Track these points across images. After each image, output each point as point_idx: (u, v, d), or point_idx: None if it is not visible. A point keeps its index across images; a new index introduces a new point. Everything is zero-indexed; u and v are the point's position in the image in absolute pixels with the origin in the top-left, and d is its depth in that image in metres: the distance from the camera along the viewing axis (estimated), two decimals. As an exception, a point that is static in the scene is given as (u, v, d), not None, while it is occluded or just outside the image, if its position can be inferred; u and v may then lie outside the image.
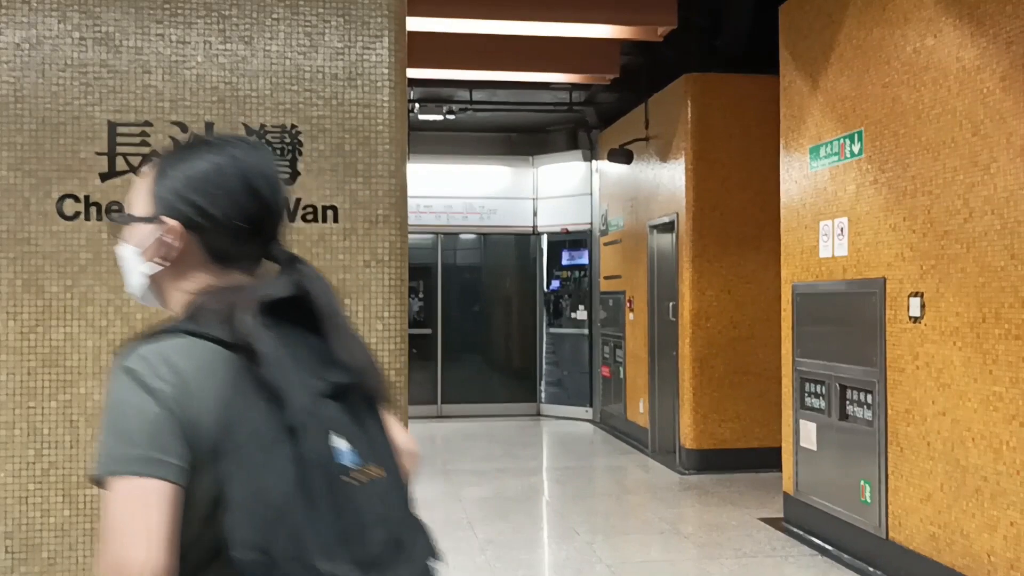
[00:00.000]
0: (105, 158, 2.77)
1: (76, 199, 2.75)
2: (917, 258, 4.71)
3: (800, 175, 5.97)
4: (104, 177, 2.77)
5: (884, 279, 4.99)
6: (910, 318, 4.77)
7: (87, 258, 2.74)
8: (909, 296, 4.77)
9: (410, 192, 3.03)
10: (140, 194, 1.32)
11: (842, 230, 5.42)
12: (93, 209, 2.75)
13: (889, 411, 4.95)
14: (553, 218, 11.64)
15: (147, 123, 2.79)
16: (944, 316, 4.50)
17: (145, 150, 2.78)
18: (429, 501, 6.91)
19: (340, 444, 1.15)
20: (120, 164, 2.77)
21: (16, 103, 2.73)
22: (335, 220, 2.87)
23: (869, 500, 5.12)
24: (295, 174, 2.85)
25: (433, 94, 10.07)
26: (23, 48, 2.73)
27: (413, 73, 7.91)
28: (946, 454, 4.49)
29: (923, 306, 4.66)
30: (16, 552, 2.67)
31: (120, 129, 2.78)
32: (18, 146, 2.73)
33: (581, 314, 11.40)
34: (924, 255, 4.65)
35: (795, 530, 5.92)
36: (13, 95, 2.73)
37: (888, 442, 4.96)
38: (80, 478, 2.71)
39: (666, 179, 8.50)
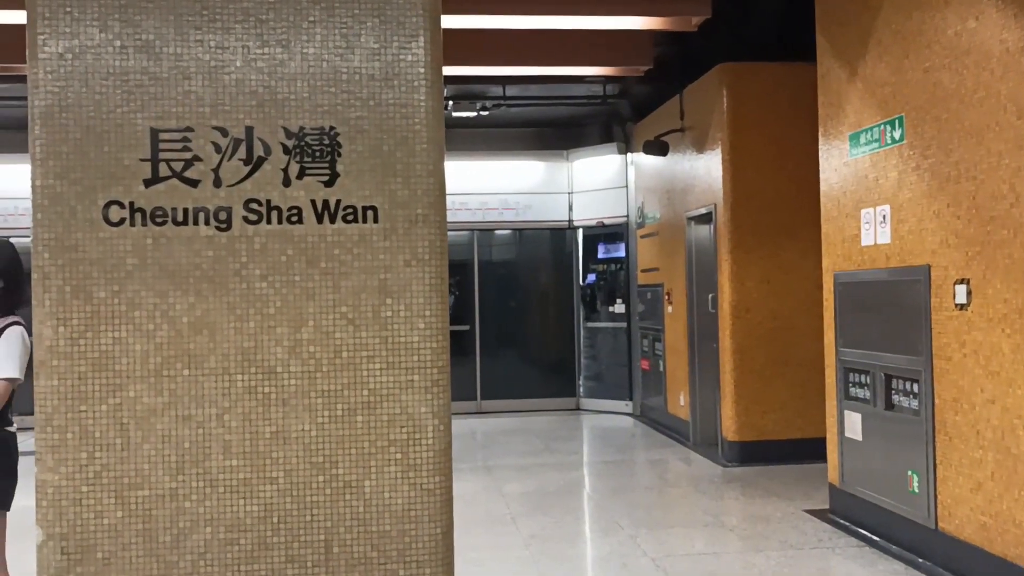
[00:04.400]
0: (148, 164, 2.80)
1: (121, 205, 2.78)
2: (962, 244, 4.63)
3: (840, 163, 5.89)
4: (148, 183, 2.80)
5: (928, 266, 4.91)
6: (956, 305, 4.69)
7: (133, 263, 2.78)
8: (955, 283, 4.69)
9: (446, 189, 3.04)
10: None
11: (884, 217, 5.35)
12: (138, 215, 2.78)
13: (936, 400, 4.88)
14: (589, 212, 11.60)
15: (188, 128, 2.82)
16: (992, 303, 4.42)
17: (187, 155, 2.81)
18: (471, 496, 6.93)
19: None
20: (163, 170, 2.80)
21: (61, 113, 2.77)
22: (375, 220, 2.88)
23: (917, 490, 5.05)
24: (335, 176, 2.87)
25: (466, 91, 10.08)
26: (66, 58, 2.78)
27: (446, 70, 7.91)
28: (996, 443, 4.41)
29: (969, 293, 4.58)
30: (72, 553, 2.73)
31: (162, 135, 2.81)
32: (64, 155, 2.77)
33: (619, 307, 11.36)
34: (970, 241, 4.57)
35: (841, 521, 5.86)
36: (58, 105, 2.77)
37: (936, 431, 4.89)
38: (131, 479, 2.76)
39: (702, 170, 8.44)
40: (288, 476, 2.82)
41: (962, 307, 4.65)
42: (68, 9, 2.78)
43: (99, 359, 2.75)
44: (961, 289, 4.64)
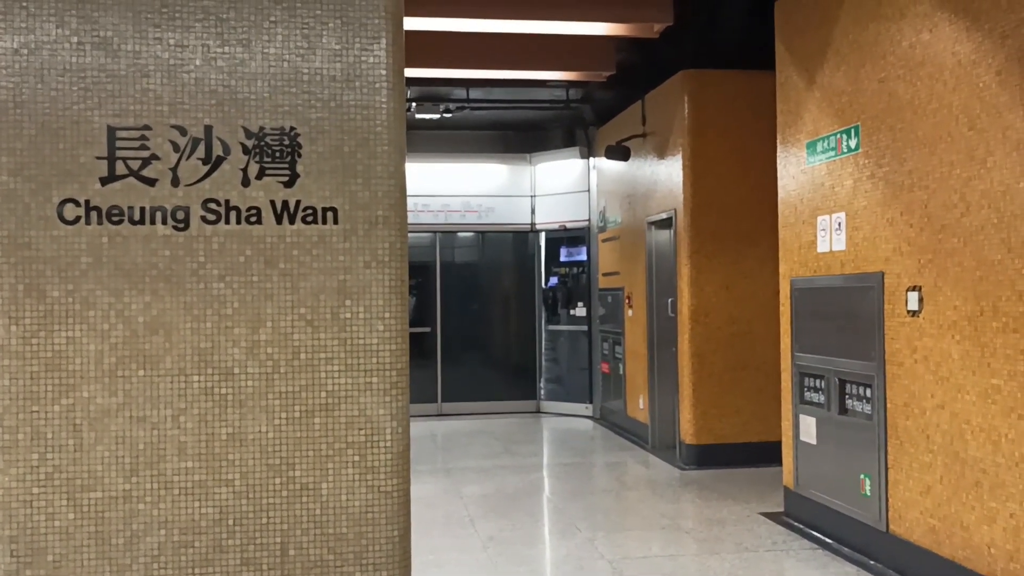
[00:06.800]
0: (105, 162, 2.77)
1: (76, 203, 2.75)
2: (915, 252, 4.73)
3: (797, 170, 5.98)
4: (104, 181, 2.77)
5: (882, 273, 5.00)
6: (908, 312, 4.78)
7: (88, 262, 2.75)
8: (907, 290, 4.79)
9: (408, 191, 3.05)
10: None
11: (840, 225, 5.44)
12: (94, 214, 2.76)
13: (888, 405, 4.97)
14: (551, 215, 11.65)
15: (146, 127, 2.80)
16: (942, 310, 4.52)
17: (144, 154, 2.79)
18: (430, 498, 6.93)
19: None
20: (120, 168, 2.78)
21: (15, 109, 2.74)
22: (335, 222, 2.88)
23: (869, 493, 5.14)
24: (295, 176, 2.86)
25: (430, 93, 10.07)
26: (22, 54, 2.74)
27: (410, 72, 7.91)
28: (945, 447, 4.50)
29: (921, 300, 4.68)
30: (21, 556, 2.69)
31: (119, 133, 2.78)
32: (18, 151, 2.73)
33: (580, 311, 11.42)
34: (922, 249, 4.67)
35: (795, 524, 5.94)
36: (12, 101, 2.73)
37: (888, 436, 4.98)
38: (84, 481, 2.72)
39: (663, 175, 8.52)
40: (244, 478, 2.81)
41: (914, 314, 4.74)
42: (24, 4, 2.74)
43: (52, 359, 2.72)
44: (913, 296, 4.73)
